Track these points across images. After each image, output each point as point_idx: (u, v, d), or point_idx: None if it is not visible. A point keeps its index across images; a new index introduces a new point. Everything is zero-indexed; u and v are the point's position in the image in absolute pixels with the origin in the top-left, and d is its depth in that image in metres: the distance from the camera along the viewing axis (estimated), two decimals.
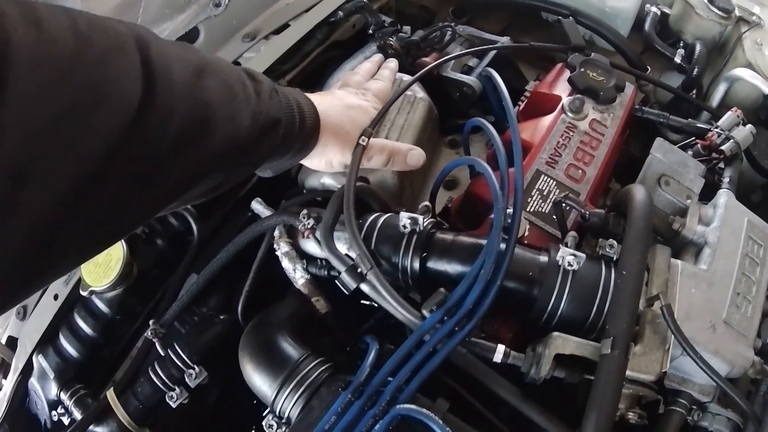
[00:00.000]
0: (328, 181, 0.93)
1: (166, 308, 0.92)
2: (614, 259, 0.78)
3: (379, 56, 1.03)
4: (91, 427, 0.91)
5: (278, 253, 0.88)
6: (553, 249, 0.78)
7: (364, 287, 0.77)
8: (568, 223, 0.84)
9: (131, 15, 0.98)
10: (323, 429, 0.69)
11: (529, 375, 0.74)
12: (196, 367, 0.87)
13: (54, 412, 0.97)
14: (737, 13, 1.23)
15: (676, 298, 0.79)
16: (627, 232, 0.76)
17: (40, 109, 0.43)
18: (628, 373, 0.73)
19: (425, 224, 0.80)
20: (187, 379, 0.87)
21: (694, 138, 0.98)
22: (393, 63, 1.01)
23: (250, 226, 0.88)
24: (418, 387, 0.70)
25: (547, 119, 0.95)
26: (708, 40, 1.17)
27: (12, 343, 1.10)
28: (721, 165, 0.96)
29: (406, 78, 0.96)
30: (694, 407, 0.79)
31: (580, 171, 0.90)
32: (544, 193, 0.88)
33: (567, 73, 0.99)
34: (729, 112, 0.98)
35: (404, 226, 0.79)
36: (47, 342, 1.00)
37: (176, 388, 0.87)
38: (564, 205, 0.83)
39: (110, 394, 0.90)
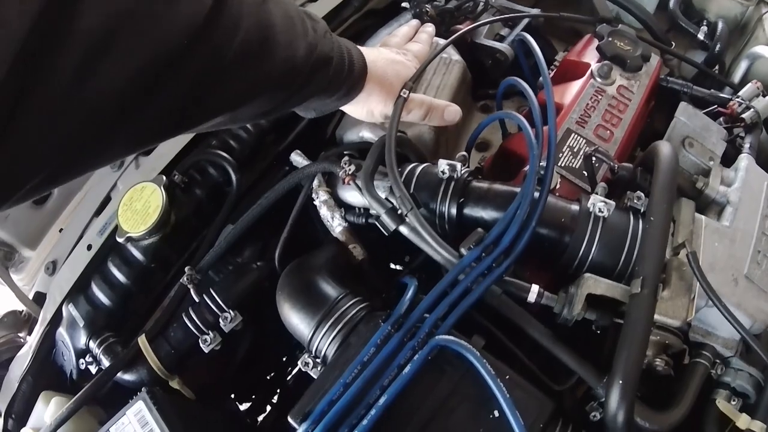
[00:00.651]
0: (367, 135, 0.97)
1: (202, 257, 0.97)
2: (642, 210, 0.83)
3: (416, 21, 1.08)
4: (119, 375, 0.94)
5: (317, 201, 0.92)
6: (584, 198, 0.83)
7: (403, 229, 0.82)
8: (598, 179, 0.90)
9: None
10: (362, 360, 0.74)
11: (561, 316, 0.79)
12: (231, 311, 0.90)
13: (82, 360, 0.99)
14: None
15: (701, 251, 0.84)
16: (654, 181, 0.81)
17: None
18: (655, 317, 0.78)
19: (462, 172, 0.85)
20: (221, 323, 0.90)
21: (716, 107, 1.04)
22: (430, 27, 1.06)
23: (290, 173, 0.94)
24: (456, 321, 0.75)
25: (577, 83, 1.00)
26: (730, 19, 1.23)
27: (40, 298, 1.13)
28: (742, 134, 1.02)
29: (442, 42, 1.01)
30: (717, 361, 0.82)
31: (608, 131, 0.96)
32: (575, 150, 0.93)
33: (595, 42, 1.05)
34: (749, 84, 1.04)
35: (443, 172, 0.84)
36: (78, 292, 1.03)
37: (210, 332, 0.90)
38: (594, 159, 0.89)
39: (142, 340, 0.93)
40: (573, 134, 0.94)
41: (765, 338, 0.86)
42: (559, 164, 0.91)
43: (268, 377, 1.25)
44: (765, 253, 0.89)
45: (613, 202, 0.81)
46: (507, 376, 0.75)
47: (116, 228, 0.98)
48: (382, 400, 0.71)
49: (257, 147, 1.05)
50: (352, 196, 0.93)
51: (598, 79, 1.00)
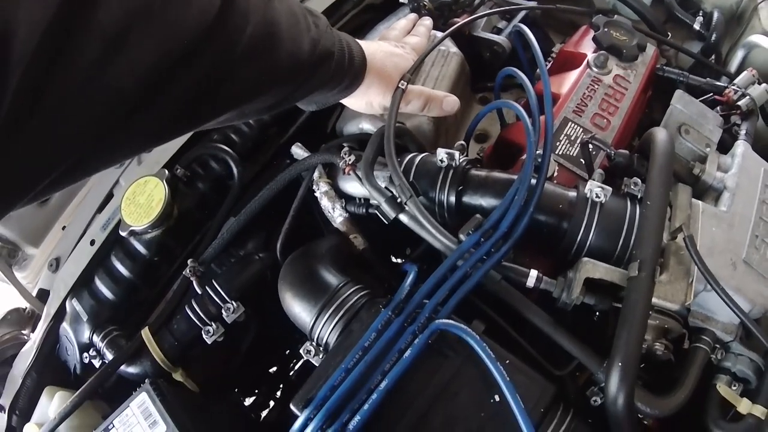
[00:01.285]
0: (367, 126, 0.99)
1: (205, 250, 0.98)
2: (639, 196, 0.84)
3: (414, 15, 1.10)
4: (123, 368, 0.95)
5: (317, 193, 0.94)
6: (581, 184, 0.84)
7: (402, 217, 0.83)
8: (595, 166, 0.91)
9: None
10: (364, 345, 0.75)
11: (560, 300, 0.80)
12: (233, 302, 0.91)
13: (85, 354, 1.00)
14: None
15: (698, 235, 0.85)
16: (650, 166, 0.82)
17: None
18: (654, 300, 0.79)
19: (461, 160, 0.86)
20: (224, 314, 0.91)
21: (712, 95, 1.05)
22: (428, 21, 1.08)
23: (292, 165, 0.95)
24: (456, 305, 0.76)
25: (574, 73, 1.01)
26: (726, 8, 1.24)
27: (43, 295, 1.14)
28: (738, 121, 1.03)
29: (440, 34, 1.03)
30: (718, 346, 0.83)
31: (605, 120, 0.96)
32: (572, 138, 0.94)
33: (591, 33, 1.06)
34: (745, 72, 1.04)
35: (441, 161, 0.85)
36: (82, 287, 1.04)
37: (212, 324, 0.91)
38: (590, 146, 0.90)
39: (145, 333, 0.94)
40: (570, 123, 0.95)
41: (765, 323, 0.87)
42: (556, 152, 0.92)
43: (271, 371, 1.26)
44: (763, 237, 0.89)
45: (609, 188, 0.82)
46: (507, 361, 0.75)
47: (119, 223, 0.99)
48: (383, 385, 0.72)
49: (259, 140, 1.07)
50: (352, 186, 0.94)
51: (595, 69, 1.01)
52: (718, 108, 1.05)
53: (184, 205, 1.00)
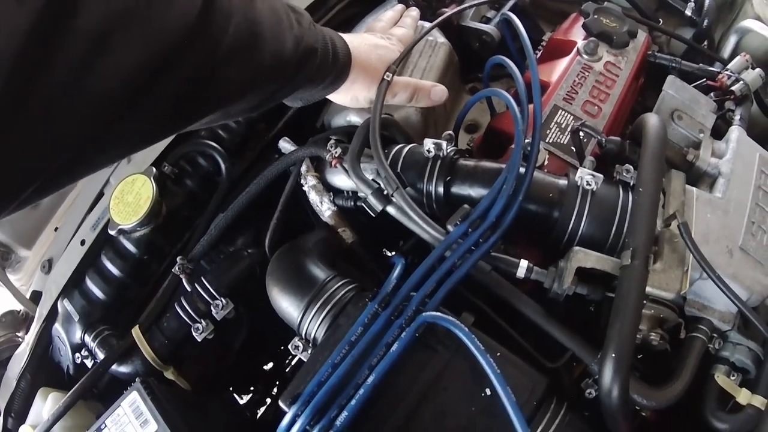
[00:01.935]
0: (354, 119, 0.96)
1: (194, 247, 0.96)
2: (631, 183, 0.81)
3: (401, 6, 1.07)
4: (114, 367, 0.93)
5: (305, 187, 0.91)
6: (572, 172, 0.81)
7: (389, 209, 0.80)
8: (586, 153, 0.87)
9: None
10: (350, 340, 0.73)
11: (552, 290, 0.77)
12: (222, 299, 0.89)
13: (77, 355, 0.98)
14: None
15: (693, 222, 0.81)
16: (642, 152, 0.79)
17: None
18: (649, 289, 0.76)
19: (449, 150, 0.83)
20: (213, 311, 0.89)
21: (705, 80, 1.02)
22: (415, 11, 1.05)
23: (279, 159, 0.92)
24: (444, 297, 0.73)
25: (564, 61, 0.98)
26: None
27: (37, 297, 1.12)
28: (732, 107, 1.00)
29: (428, 24, 1.00)
30: (715, 335, 0.80)
31: (596, 107, 0.93)
32: (562, 126, 0.90)
33: (581, 20, 1.03)
34: (738, 57, 1.01)
35: (428, 151, 0.82)
36: (73, 287, 1.02)
37: (202, 321, 0.89)
38: (581, 133, 0.87)
39: (135, 331, 0.92)
40: (560, 111, 0.92)
41: (763, 311, 0.84)
42: (546, 141, 0.89)
43: (266, 368, 1.24)
44: (759, 224, 0.86)
45: (601, 175, 0.79)
46: (498, 353, 0.73)
47: (109, 222, 0.97)
48: (370, 380, 0.69)
49: (247, 136, 1.04)
50: (340, 179, 0.91)
51: (585, 56, 0.98)
52: (712, 94, 1.02)
53: (173, 202, 0.97)
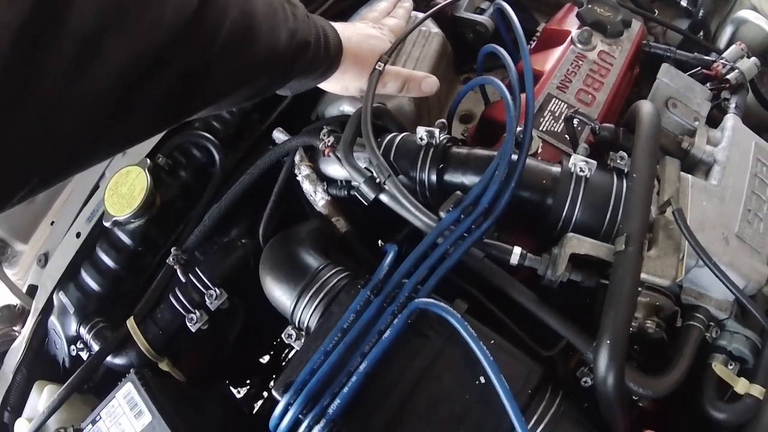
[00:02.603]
0: (347, 108, 0.95)
1: (188, 238, 0.95)
2: (625, 171, 0.80)
3: None
4: (109, 359, 0.92)
5: (299, 177, 0.89)
6: (565, 159, 0.80)
7: (382, 197, 0.79)
8: (580, 141, 0.86)
9: None
10: (342, 327, 0.71)
11: (545, 277, 0.76)
12: (216, 289, 0.88)
13: (73, 347, 0.98)
14: None
15: (688, 209, 0.80)
16: (636, 138, 0.77)
17: None
18: (644, 276, 0.74)
19: (441, 138, 0.82)
20: (207, 301, 0.88)
21: (700, 69, 1.01)
22: (408, 2, 1.04)
23: (273, 148, 0.91)
24: (436, 284, 0.72)
25: (558, 50, 0.97)
26: None
27: (33, 291, 1.11)
28: (728, 95, 0.99)
29: (421, 15, 0.99)
30: (712, 324, 0.79)
31: (590, 96, 0.91)
32: (556, 114, 0.89)
33: (575, 10, 1.02)
34: (733, 46, 1.00)
35: (421, 138, 0.81)
36: (68, 280, 1.01)
37: (196, 311, 0.88)
38: (575, 121, 0.86)
39: (130, 323, 0.90)
40: (554, 99, 0.90)
41: (760, 299, 0.82)
42: (540, 129, 0.88)
43: (262, 360, 1.23)
44: (756, 212, 0.84)
45: (594, 162, 0.77)
46: (492, 341, 0.71)
47: (104, 214, 0.96)
48: (362, 367, 0.68)
49: (241, 127, 1.03)
50: (333, 169, 0.90)
51: (579, 45, 0.97)
52: (708, 84, 1.01)
53: (167, 194, 0.96)
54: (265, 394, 1.24)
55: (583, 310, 0.81)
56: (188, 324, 0.88)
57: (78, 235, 1.01)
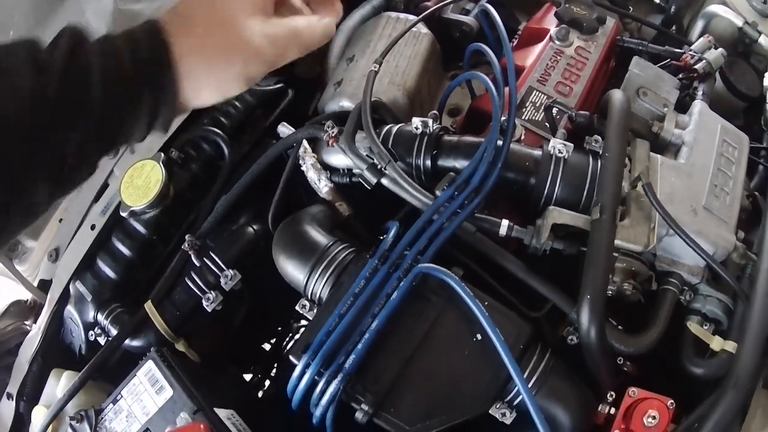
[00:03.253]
0: (347, 104, 1.13)
1: (199, 228, 1.11)
2: (600, 152, 0.99)
3: None
4: (127, 342, 1.07)
5: (304, 166, 1.07)
6: (545, 143, 0.98)
7: (384, 181, 0.96)
8: (559, 128, 1.05)
9: None
10: (354, 292, 0.89)
11: (531, 246, 0.94)
12: (230, 270, 1.05)
13: (91, 332, 1.12)
14: None
15: (658, 185, 0.97)
16: (608, 122, 0.95)
17: None
18: (618, 242, 0.91)
19: (434, 127, 1.00)
20: (222, 282, 1.05)
21: (669, 60, 1.21)
22: None
23: (280, 140, 1.09)
24: (435, 253, 0.89)
25: (538, 47, 1.16)
26: None
27: (44, 286, 1.27)
28: (696, 85, 1.18)
29: (412, 17, 1.19)
30: (686, 288, 0.96)
31: (568, 87, 1.11)
32: (537, 105, 1.08)
33: (554, 10, 1.21)
34: (701, 38, 1.19)
35: (416, 128, 0.99)
36: (84, 270, 1.17)
37: (211, 292, 1.04)
38: (554, 110, 1.05)
39: (148, 305, 1.06)
40: (535, 91, 1.10)
41: (731, 267, 0.98)
42: (522, 118, 1.07)
43: (265, 346, 1.39)
44: (722, 186, 1.01)
45: (571, 144, 0.96)
46: (486, 303, 0.89)
47: (118, 207, 1.13)
48: (374, 325, 0.85)
49: (245, 122, 1.21)
50: (336, 158, 1.08)
51: (557, 42, 1.16)
52: (681, 75, 1.21)
53: (179, 186, 1.13)
54: (267, 382, 1.40)
55: (567, 281, 0.99)
56: (204, 304, 1.05)
57: (93, 227, 1.17)
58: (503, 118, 0.97)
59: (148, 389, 1.01)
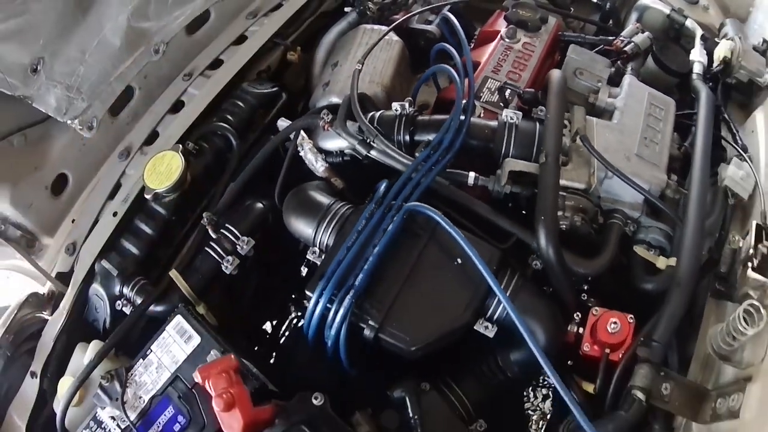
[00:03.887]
0: (335, 99, 1.54)
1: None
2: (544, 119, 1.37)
3: None
4: (153, 307, 1.36)
5: (302, 151, 1.44)
6: (499, 115, 1.37)
7: (373, 152, 1.34)
8: (510, 105, 1.44)
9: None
10: (357, 230, 1.24)
11: (494, 191, 1.30)
12: (245, 237, 1.39)
13: (118, 302, 1.40)
14: None
15: (594, 140, 1.36)
16: (548, 92, 1.36)
17: None
18: (565, 182, 1.30)
19: (410, 109, 1.39)
20: (239, 248, 1.39)
21: (603, 45, 1.63)
22: None
23: (283, 129, 1.47)
24: (418, 197, 1.26)
25: (491, 45, 1.60)
26: None
27: (61, 278, 1.55)
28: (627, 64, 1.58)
29: (384, 28, 1.61)
30: (629, 221, 1.33)
31: (517, 75, 1.54)
32: (492, 90, 1.50)
33: (504, 14, 1.65)
34: (630, 25, 1.64)
35: (396, 110, 1.39)
36: (108, 251, 1.46)
37: (229, 257, 1.38)
38: (507, 92, 1.44)
39: (173, 272, 1.38)
40: (490, 79, 1.53)
41: (669, 202, 1.34)
42: (481, 100, 1.47)
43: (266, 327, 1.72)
44: (651, 139, 1.41)
45: (521, 113, 1.35)
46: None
47: (139, 194, 1.47)
48: (375, 250, 1.20)
49: (249, 119, 1.59)
50: (329, 143, 1.47)
51: (507, 40, 1.60)
52: (613, 57, 1.61)
53: (194, 173, 1.49)
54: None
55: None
56: (223, 267, 1.37)
57: (115, 214, 1.50)
58: (464, 101, 1.35)
59: (177, 340, 1.29)
